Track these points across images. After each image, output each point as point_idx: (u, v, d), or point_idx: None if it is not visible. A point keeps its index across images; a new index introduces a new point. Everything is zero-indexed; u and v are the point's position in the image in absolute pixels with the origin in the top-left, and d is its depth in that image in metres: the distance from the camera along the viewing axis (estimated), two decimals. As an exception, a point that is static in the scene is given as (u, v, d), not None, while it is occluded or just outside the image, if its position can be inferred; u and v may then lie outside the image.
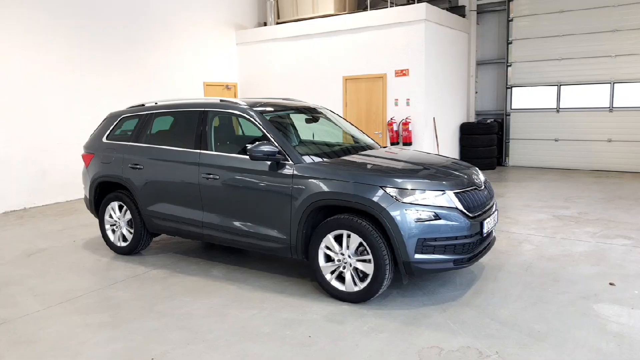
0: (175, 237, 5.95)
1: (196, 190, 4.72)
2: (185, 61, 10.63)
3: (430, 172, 4.16)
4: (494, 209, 4.31)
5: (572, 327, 3.52)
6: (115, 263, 5.20)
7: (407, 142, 9.72)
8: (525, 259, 5.04)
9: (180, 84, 10.50)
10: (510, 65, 11.60)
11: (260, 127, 4.50)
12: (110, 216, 5.44)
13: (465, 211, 3.85)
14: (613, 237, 5.71)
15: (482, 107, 12.27)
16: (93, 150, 5.61)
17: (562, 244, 5.50)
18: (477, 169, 4.62)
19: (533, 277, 4.51)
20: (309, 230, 4.15)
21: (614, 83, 10.47)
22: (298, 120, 5.37)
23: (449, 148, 10.96)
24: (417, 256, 3.73)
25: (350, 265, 3.96)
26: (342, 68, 10.49)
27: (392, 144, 9.77)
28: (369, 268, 3.86)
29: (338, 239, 3.99)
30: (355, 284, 3.95)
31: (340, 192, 3.92)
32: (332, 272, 4.06)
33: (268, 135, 4.41)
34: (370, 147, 5.08)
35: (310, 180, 4.07)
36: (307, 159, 4.25)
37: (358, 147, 5.01)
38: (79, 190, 8.36)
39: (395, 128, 9.84)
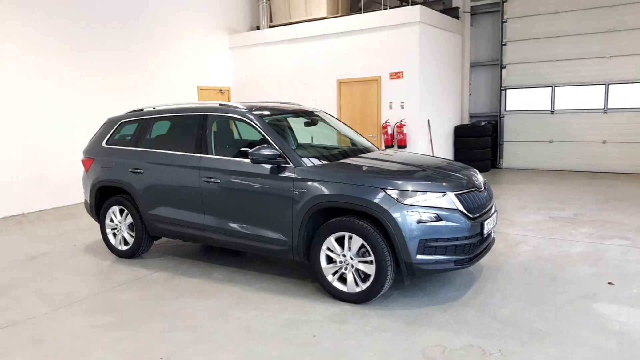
0: (175, 241, 5.97)
1: (197, 193, 4.75)
2: (178, 66, 10.62)
3: (431, 173, 4.21)
4: (493, 210, 4.37)
5: (572, 325, 3.58)
6: (117, 266, 5.22)
7: (402, 145, 9.77)
8: (523, 259, 5.10)
9: (174, 89, 10.49)
10: (504, 67, 11.68)
11: (261, 130, 4.54)
12: (112, 220, 5.46)
13: (466, 212, 3.90)
14: (609, 237, 5.79)
15: (476, 109, 12.35)
16: (93, 155, 5.63)
17: (559, 245, 5.56)
18: (476, 170, 4.69)
19: (532, 278, 4.57)
20: (310, 232, 4.19)
21: (608, 84, 10.57)
22: (296, 123, 5.41)
23: (443, 150, 11.02)
24: (419, 257, 3.77)
25: (352, 266, 4.00)
26: (336, 71, 10.52)
27: (387, 147, 9.81)
28: (370, 269, 3.91)
29: (339, 241, 4.04)
30: (357, 284, 3.99)
31: (342, 194, 3.96)
32: (334, 274, 4.10)
33: (268, 138, 4.45)
34: (368, 150, 5.13)
35: (311, 183, 4.12)
36: (308, 162, 4.30)
37: (356, 150, 5.06)
38: (76, 195, 8.36)
39: (389, 131, 9.88)
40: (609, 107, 10.64)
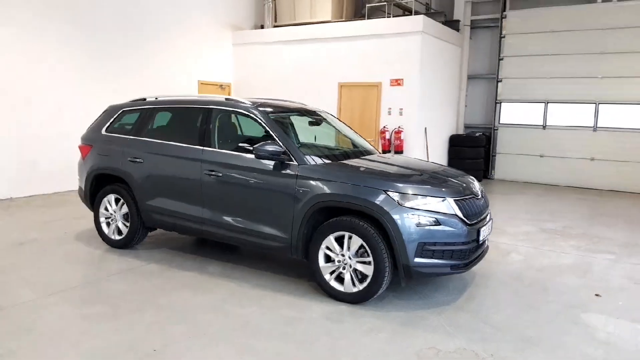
0: (169, 233, 5.94)
1: (197, 186, 4.74)
2: (180, 59, 10.61)
3: (431, 179, 4.28)
4: (489, 218, 4.45)
5: (562, 334, 3.66)
6: (109, 256, 5.18)
7: (399, 151, 9.88)
8: (514, 268, 5.19)
9: (174, 81, 10.47)
10: (500, 81, 11.87)
11: (266, 126, 4.56)
12: (106, 209, 5.41)
13: (463, 218, 3.97)
14: (597, 251, 5.92)
15: (471, 120, 12.52)
16: (91, 141, 5.58)
17: (548, 256, 5.67)
18: (473, 177, 4.76)
19: (523, 286, 4.66)
20: (309, 231, 4.22)
21: (598, 103, 10.81)
22: (299, 122, 5.44)
23: (438, 159, 11.15)
24: (417, 260, 3.82)
25: (350, 266, 4.03)
26: (337, 74, 10.62)
27: (384, 151, 9.91)
28: (368, 270, 3.95)
29: (339, 240, 4.07)
30: (354, 285, 4.03)
31: (344, 194, 4.00)
32: (332, 273, 4.13)
33: (273, 135, 4.48)
34: (370, 152, 5.19)
35: (314, 181, 4.15)
36: (311, 160, 4.33)
37: (358, 152, 5.11)
38: (66, 181, 8.27)
39: (387, 136, 9.99)
40: (598, 126, 10.88)
